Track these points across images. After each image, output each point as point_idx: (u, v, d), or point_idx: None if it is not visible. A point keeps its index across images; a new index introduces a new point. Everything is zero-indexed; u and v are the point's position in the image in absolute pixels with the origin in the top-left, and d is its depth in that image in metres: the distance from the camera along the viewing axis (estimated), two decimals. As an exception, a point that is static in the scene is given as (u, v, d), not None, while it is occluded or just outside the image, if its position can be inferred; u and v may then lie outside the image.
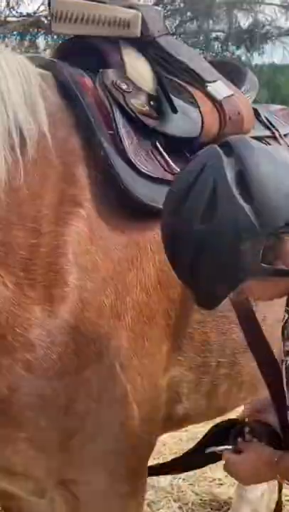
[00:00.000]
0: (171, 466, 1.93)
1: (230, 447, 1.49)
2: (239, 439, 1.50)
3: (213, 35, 8.30)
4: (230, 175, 1.23)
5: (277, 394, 1.52)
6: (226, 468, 1.49)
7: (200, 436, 3.51)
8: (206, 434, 1.67)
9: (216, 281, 1.27)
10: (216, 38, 8.43)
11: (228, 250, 1.23)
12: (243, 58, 8.04)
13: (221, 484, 2.98)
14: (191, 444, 3.36)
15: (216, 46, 8.34)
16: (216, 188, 1.23)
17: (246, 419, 1.59)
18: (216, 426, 1.64)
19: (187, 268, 1.29)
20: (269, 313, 1.79)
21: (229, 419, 1.67)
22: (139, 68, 1.65)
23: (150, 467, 1.81)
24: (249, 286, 1.31)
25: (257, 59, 8.32)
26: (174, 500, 2.86)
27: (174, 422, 1.75)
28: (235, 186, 1.22)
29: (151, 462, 1.73)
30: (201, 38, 8.14)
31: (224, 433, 1.56)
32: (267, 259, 1.24)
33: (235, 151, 1.26)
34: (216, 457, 1.62)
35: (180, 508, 2.82)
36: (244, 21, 8.06)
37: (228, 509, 2.74)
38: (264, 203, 1.22)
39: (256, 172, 1.23)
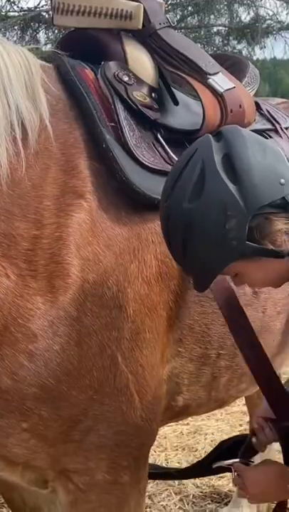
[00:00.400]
0: (177, 475, 1.95)
1: (237, 460, 1.55)
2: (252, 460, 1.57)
3: (215, 29, 8.27)
4: (217, 157, 1.29)
5: (270, 390, 1.54)
6: (236, 484, 1.53)
7: (200, 430, 3.53)
8: (213, 450, 1.70)
9: (205, 259, 1.32)
10: (217, 33, 8.40)
11: (214, 228, 1.28)
12: (244, 53, 8.01)
13: (222, 477, 2.99)
14: (192, 438, 3.40)
15: (217, 41, 8.31)
16: (203, 169, 1.29)
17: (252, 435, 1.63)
18: (224, 442, 1.68)
19: (180, 247, 1.34)
20: (269, 306, 1.80)
21: (235, 436, 1.70)
22: (140, 60, 1.65)
23: (155, 473, 1.84)
24: (239, 268, 1.34)
25: (258, 53, 8.30)
26: (175, 493, 2.88)
27: (175, 413, 1.75)
28: (221, 167, 1.28)
29: (152, 455, 1.75)
30: (202, 32, 8.11)
31: (232, 449, 1.60)
32: (254, 238, 1.28)
33: (225, 136, 1.32)
34: (220, 470, 1.66)
35: (181, 500, 2.83)
36: (245, 16, 8.03)
37: (229, 501, 2.75)
38: (249, 182, 1.26)
39: (243, 155, 1.28)
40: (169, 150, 1.63)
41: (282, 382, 2.86)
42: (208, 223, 1.28)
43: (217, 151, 1.30)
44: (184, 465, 3.03)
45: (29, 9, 7.51)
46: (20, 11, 7.55)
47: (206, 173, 1.29)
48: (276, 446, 1.73)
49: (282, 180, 1.29)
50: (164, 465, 3.06)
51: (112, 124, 1.54)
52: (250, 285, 1.45)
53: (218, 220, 1.27)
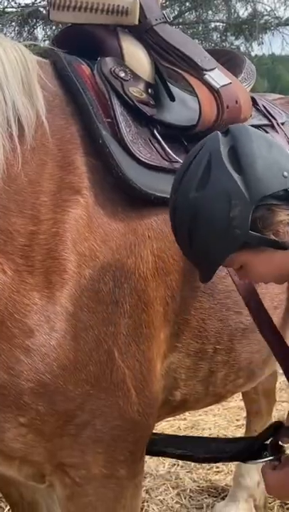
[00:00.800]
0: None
1: (270, 458, 1.61)
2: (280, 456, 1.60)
3: (212, 25, 8.26)
4: (224, 150, 1.35)
5: None
6: (265, 481, 1.57)
7: (198, 425, 3.54)
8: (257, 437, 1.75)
9: (210, 248, 1.36)
10: (215, 29, 8.39)
11: (219, 216, 1.33)
12: (242, 49, 8.00)
13: (219, 471, 3.01)
14: (189, 433, 3.41)
15: (214, 36, 8.30)
16: (210, 161, 1.35)
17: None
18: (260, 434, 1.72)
19: (186, 237, 1.39)
20: (266, 300, 1.81)
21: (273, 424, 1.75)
22: (137, 56, 1.65)
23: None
24: (243, 259, 1.38)
25: (256, 49, 8.30)
26: (172, 487, 2.89)
27: (173, 408, 1.76)
28: (227, 159, 1.34)
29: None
30: (200, 28, 8.11)
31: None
32: (257, 229, 1.33)
33: (232, 132, 1.38)
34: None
35: (178, 494, 2.84)
36: (243, 11, 8.03)
37: (226, 496, 2.76)
38: (252, 173, 1.32)
39: (248, 147, 1.34)
40: (165, 146, 1.63)
41: (278, 379, 2.89)
42: (213, 211, 1.33)
43: (224, 144, 1.36)
44: (181, 460, 3.04)
45: (27, 5, 7.51)
46: (18, 7, 7.55)
47: (212, 164, 1.34)
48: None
49: (286, 173, 1.33)
50: (161, 460, 3.08)
51: (109, 119, 1.54)
52: (255, 279, 1.48)
53: (222, 208, 1.32)
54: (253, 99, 1.92)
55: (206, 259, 1.40)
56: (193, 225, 1.36)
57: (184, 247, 1.43)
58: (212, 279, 1.47)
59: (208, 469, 3.03)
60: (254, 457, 1.70)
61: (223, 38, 8.11)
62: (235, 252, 1.36)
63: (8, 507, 2.05)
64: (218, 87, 1.67)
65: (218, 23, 8.24)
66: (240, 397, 3.05)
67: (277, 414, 3.39)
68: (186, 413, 3.41)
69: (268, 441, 1.69)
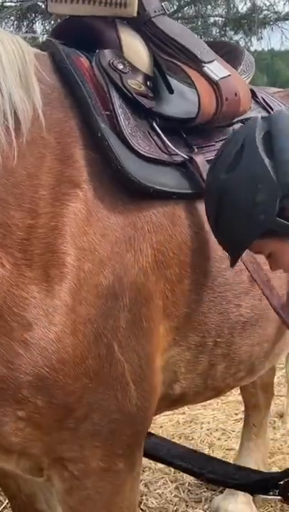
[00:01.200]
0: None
1: (278, 497, 1.66)
2: None
3: (211, 20, 8.23)
4: (259, 135, 1.35)
5: None
6: None
7: (197, 419, 3.54)
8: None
9: (235, 231, 1.37)
10: (214, 24, 8.37)
11: (245, 199, 1.33)
12: (242, 44, 7.97)
13: (218, 466, 3.01)
14: (188, 427, 3.42)
15: (214, 31, 8.28)
16: (244, 145, 1.36)
17: None
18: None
19: (214, 219, 1.41)
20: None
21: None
22: (135, 48, 1.64)
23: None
24: (272, 247, 1.39)
25: (255, 45, 8.27)
26: (171, 481, 2.90)
27: (172, 401, 1.76)
28: (261, 143, 1.34)
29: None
30: (199, 23, 8.08)
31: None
32: (286, 217, 1.32)
33: (270, 117, 1.40)
34: None
35: (177, 488, 2.85)
36: (242, 6, 8.01)
37: (224, 489, 2.76)
38: (284, 159, 1.31)
39: (283, 134, 1.34)
40: (164, 139, 1.62)
41: (276, 374, 2.89)
42: (239, 194, 1.34)
43: (260, 128, 1.36)
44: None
45: (25, -1, 7.47)
46: (17, 1, 7.52)
47: (245, 148, 1.35)
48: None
49: None
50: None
51: (107, 112, 1.54)
52: (284, 268, 1.48)
53: (248, 192, 1.32)
54: (252, 92, 1.91)
55: (231, 242, 1.42)
56: (220, 207, 1.37)
57: (213, 228, 1.45)
58: (234, 265, 1.49)
59: (206, 463, 3.03)
60: (261, 492, 1.70)
61: (222, 32, 8.09)
62: (264, 239, 1.37)
63: (7, 501, 2.05)
64: (217, 79, 1.67)
65: (217, 18, 8.22)
66: (239, 392, 3.06)
67: (276, 408, 3.40)
68: (185, 407, 3.41)
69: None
